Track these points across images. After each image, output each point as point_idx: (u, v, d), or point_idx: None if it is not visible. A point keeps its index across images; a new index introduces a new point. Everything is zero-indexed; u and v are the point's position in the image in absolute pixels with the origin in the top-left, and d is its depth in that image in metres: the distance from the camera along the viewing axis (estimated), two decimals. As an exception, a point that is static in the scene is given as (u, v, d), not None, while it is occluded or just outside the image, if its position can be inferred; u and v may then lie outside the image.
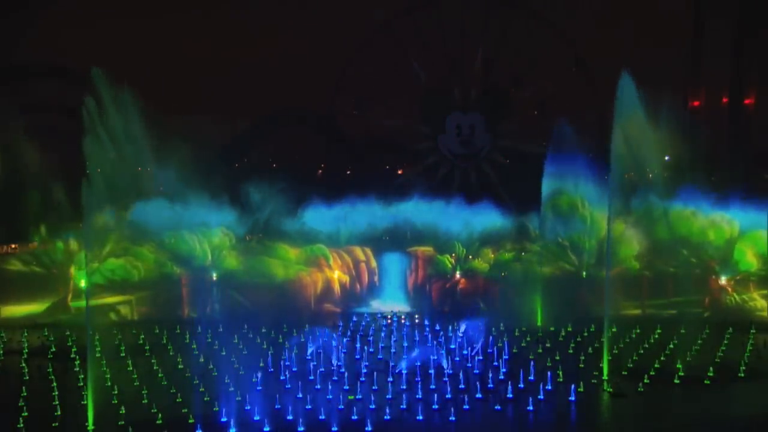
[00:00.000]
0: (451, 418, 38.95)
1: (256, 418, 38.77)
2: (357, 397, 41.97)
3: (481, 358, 48.83)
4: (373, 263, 68.62)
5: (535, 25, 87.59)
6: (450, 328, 55.90)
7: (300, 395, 41.77)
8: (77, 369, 48.11)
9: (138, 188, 63.34)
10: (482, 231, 69.49)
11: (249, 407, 40.02)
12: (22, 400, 41.52)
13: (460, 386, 43.59)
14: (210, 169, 68.72)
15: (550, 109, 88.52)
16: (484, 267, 67.26)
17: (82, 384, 43.46)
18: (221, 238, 65.85)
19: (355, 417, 38.95)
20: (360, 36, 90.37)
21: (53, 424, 38.28)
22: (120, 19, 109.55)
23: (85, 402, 38.56)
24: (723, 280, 62.78)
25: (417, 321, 61.54)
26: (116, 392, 42.46)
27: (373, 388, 43.76)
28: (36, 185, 64.17)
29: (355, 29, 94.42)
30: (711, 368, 45.92)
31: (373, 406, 40.21)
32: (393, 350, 52.46)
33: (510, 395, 42.01)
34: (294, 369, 47.33)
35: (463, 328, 53.35)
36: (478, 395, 42.15)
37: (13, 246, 67.64)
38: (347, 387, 43.55)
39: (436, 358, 47.62)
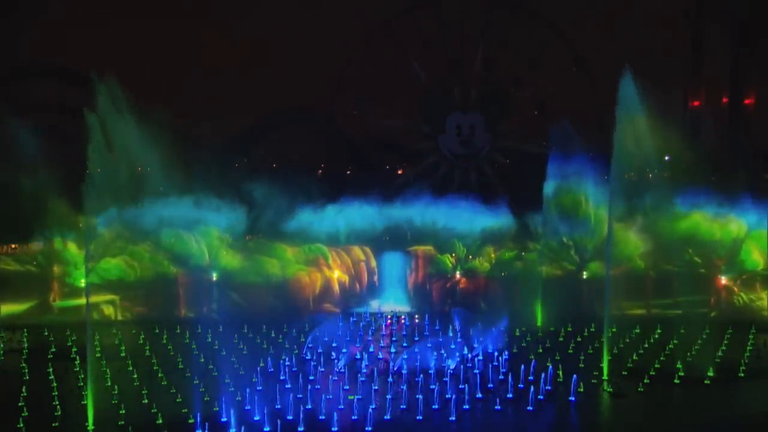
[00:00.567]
0: (451, 418, 38.97)
1: (256, 418, 38.78)
2: (357, 397, 41.97)
3: (481, 358, 48.83)
4: (373, 263, 68.62)
5: (535, 25, 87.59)
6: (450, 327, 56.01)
7: (300, 395, 41.74)
8: (77, 369, 48.15)
9: (138, 188, 63.27)
10: (483, 230, 69.44)
11: (249, 407, 40.05)
12: (22, 400, 41.50)
13: (459, 386, 43.62)
14: (210, 168, 68.68)
15: (550, 109, 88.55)
16: (485, 266, 67.25)
17: (82, 384, 43.47)
18: (219, 238, 65.76)
19: (354, 417, 38.95)
20: (360, 36, 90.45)
21: (53, 424, 38.30)
22: (120, 19, 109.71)
23: (85, 402, 38.58)
24: (724, 280, 62.74)
25: (417, 320, 61.60)
26: (116, 392, 42.56)
27: (374, 388, 43.75)
28: (35, 185, 64.04)
29: (355, 29, 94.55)
30: (711, 368, 45.94)
31: (374, 406, 40.19)
32: (393, 350, 52.46)
33: (510, 395, 42.02)
34: (294, 369, 47.36)
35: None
36: (479, 395, 42.16)
37: (13, 246, 67.59)
38: (347, 387, 43.58)
39: (436, 358, 47.72)
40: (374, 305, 66.24)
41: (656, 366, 46.93)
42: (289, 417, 38.66)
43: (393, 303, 66.58)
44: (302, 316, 59.97)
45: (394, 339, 55.87)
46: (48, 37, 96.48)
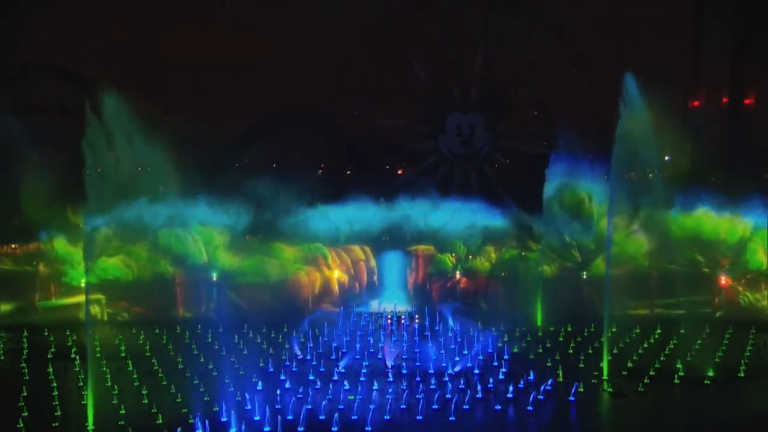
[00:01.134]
0: (450, 418, 38.97)
1: (256, 418, 38.77)
2: (357, 397, 41.96)
3: (481, 358, 48.83)
4: (373, 262, 68.56)
5: (535, 25, 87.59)
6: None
7: (300, 395, 41.77)
8: (77, 369, 48.16)
9: (138, 187, 63.13)
10: (483, 229, 69.39)
11: (249, 407, 40.04)
12: (22, 400, 41.48)
13: (460, 386, 43.59)
14: (210, 168, 68.63)
15: (550, 109, 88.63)
16: (485, 266, 67.20)
17: (82, 384, 43.44)
18: (217, 237, 65.66)
19: (354, 417, 38.94)
20: (360, 36, 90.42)
21: (53, 424, 38.28)
22: (120, 19, 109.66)
23: (85, 402, 38.55)
24: (724, 279, 62.66)
25: (417, 320, 61.56)
26: (116, 392, 42.53)
27: (374, 387, 43.74)
28: (34, 185, 63.96)
29: (355, 29, 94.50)
30: (711, 368, 45.92)
31: (373, 406, 40.18)
32: (393, 350, 52.41)
33: (510, 395, 42.02)
34: (294, 369, 47.31)
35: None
36: (479, 395, 42.15)
37: (13, 246, 67.51)
38: (347, 387, 43.58)
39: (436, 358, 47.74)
40: (374, 305, 66.21)
41: (656, 366, 46.90)
42: (289, 417, 38.65)
43: (393, 303, 66.44)
44: (302, 315, 60.03)
45: (394, 339, 55.83)
46: (48, 37, 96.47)
